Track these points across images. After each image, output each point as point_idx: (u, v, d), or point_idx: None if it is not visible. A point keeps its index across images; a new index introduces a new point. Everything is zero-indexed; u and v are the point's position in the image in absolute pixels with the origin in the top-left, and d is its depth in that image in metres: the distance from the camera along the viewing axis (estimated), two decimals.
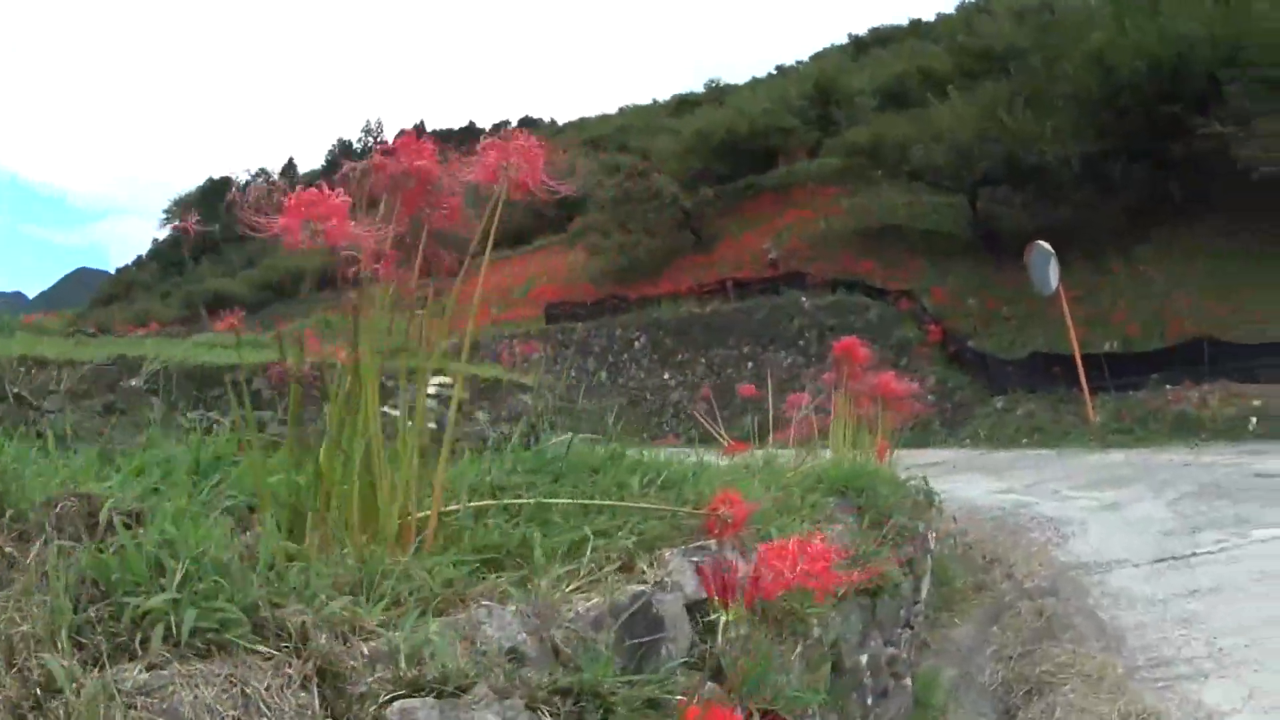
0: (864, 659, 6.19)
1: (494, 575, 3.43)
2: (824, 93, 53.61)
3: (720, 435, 8.82)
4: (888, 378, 11.23)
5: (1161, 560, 11.74)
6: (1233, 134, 26.64)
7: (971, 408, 29.30)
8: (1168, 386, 24.80)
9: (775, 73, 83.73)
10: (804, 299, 36.53)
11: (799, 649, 4.64)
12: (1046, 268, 25.61)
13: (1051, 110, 33.01)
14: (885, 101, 47.94)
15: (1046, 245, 25.84)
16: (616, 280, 49.05)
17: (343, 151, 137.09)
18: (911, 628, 8.88)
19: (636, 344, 42.01)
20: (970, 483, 19.55)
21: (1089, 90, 31.78)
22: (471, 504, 4.06)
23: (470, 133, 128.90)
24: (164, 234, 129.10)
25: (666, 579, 3.88)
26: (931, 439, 28.45)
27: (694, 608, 3.98)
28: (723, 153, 52.80)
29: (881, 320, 33.75)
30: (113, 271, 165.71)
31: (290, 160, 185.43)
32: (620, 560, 3.92)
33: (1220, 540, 12.22)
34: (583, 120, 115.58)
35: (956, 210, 40.01)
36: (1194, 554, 11.80)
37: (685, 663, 3.62)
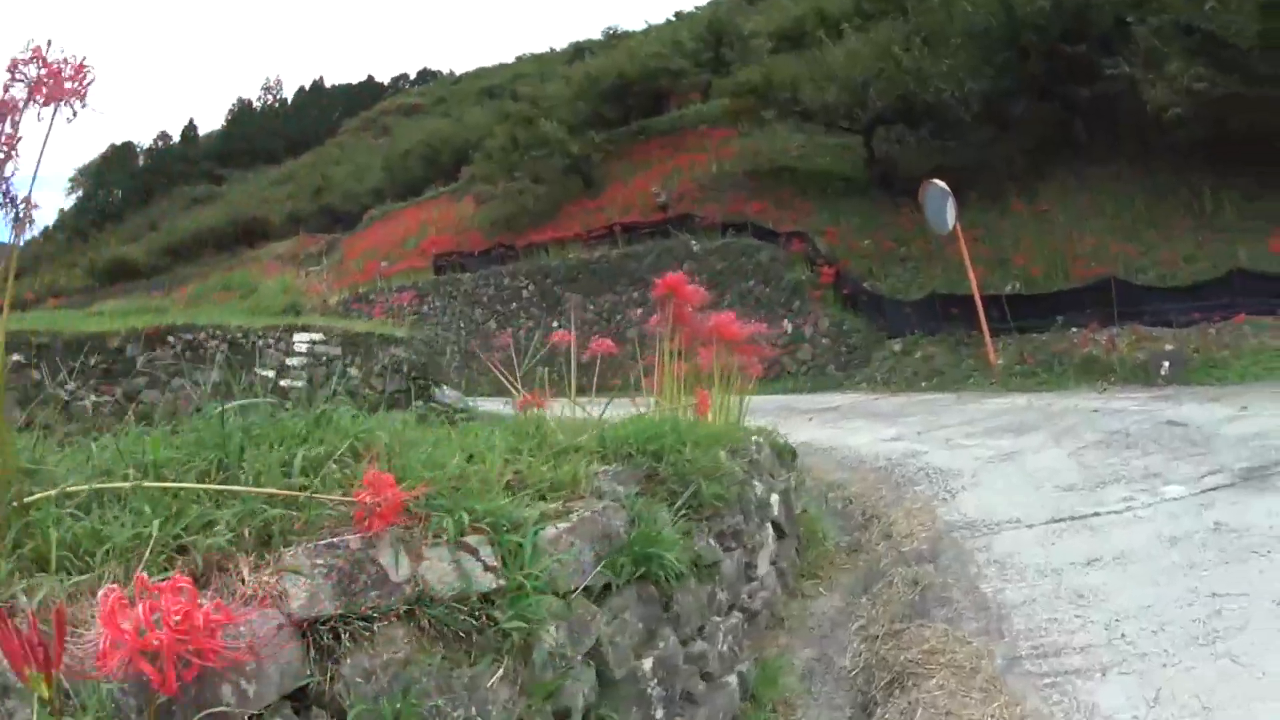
0: (648, 663, 5.36)
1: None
2: (717, 35, 53.39)
3: (515, 387, 7.38)
4: (725, 319, 10.07)
5: (1059, 520, 10.70)
6: (1142, 76, 26.00)
7: (868, 351, 28.39)
8: (1073, 329, 23.88)
9: (673, 18, 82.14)
10: (693, 242, 35.54)
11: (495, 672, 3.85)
12: (943, 206, 24.72)
13: (950, 49, 32.17)
14: (781, 44, 47.19)
15: (941, 184, 24.94)
16: (506, 228, 48.72)
17: (243, 111, 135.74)
18: (746, 611, 7.95)
19: (525, 292, 41.42)
20: (859, 429, 18.96)
21: (989, 29, 30.97)
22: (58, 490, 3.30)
23: (369, 87, 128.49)
24: (69, 203, 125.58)
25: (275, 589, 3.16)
26: (827, 383, 27.89)
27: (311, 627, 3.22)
28: (613, 97, 52.47)
29: (773, 262, 32.87)
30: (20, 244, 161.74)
31: (191, 121, 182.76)
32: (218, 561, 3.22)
33: (1127, 498, 11.13)
34: (480, 70, 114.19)
35: (851, 151, 39.23)
36: (1096, 513, 10.74)
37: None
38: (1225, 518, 9.74)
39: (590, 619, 4.76)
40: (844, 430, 18.93)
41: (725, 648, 6.87)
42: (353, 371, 19.02)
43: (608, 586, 5.12)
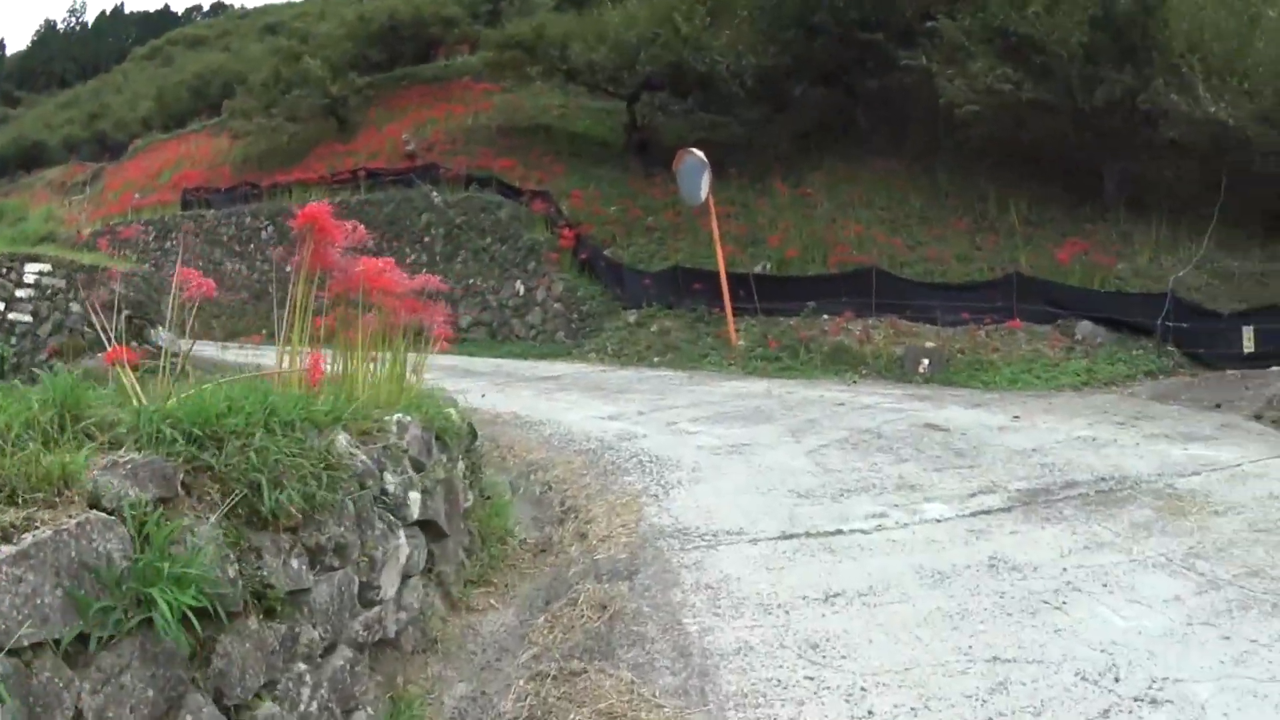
0: None
1: None
2: None
3: None
4: (376, 265, 7.91)
5: (792, 536, 8.61)
6: (941, 70, 24.58)
7: (601, 320, 26.10)
8: (825, 316, 22.04)
9: None
10: (434, 194, 33.07)
11: None
12: (697, 178, 22.81)
13: (735, 21, 30.24)
14: (565, 5, 44.69)
15: (699, 154, 23.02)
16: (258, 167, 46.16)
17: (48, 32, 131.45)
18: (366, 645, 5.88)
19: (264, 233, 38.91)
20: (577, 404, 16.85)
21: (781, 4, 29.06)
22: None
23: (164, 16, 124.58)
24: None
25: None
26: (556, 350, 25.72)
27: None
28: (381, 40, 50.27)
29: (512, 220, 30.37)
30: None
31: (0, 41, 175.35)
32: None
33: (878, 514, 9.17)
34: (268, 6, 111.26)
35: (614, 116, 37.35)
36: (839, 531, 8.72)
37: None
38: (1004, 551, 7.95)
39: (63, 687, 3.41)
40: (559, 403, 16.80)
41: (316, 706, 4.99)
42: (74, 307, 18.37)
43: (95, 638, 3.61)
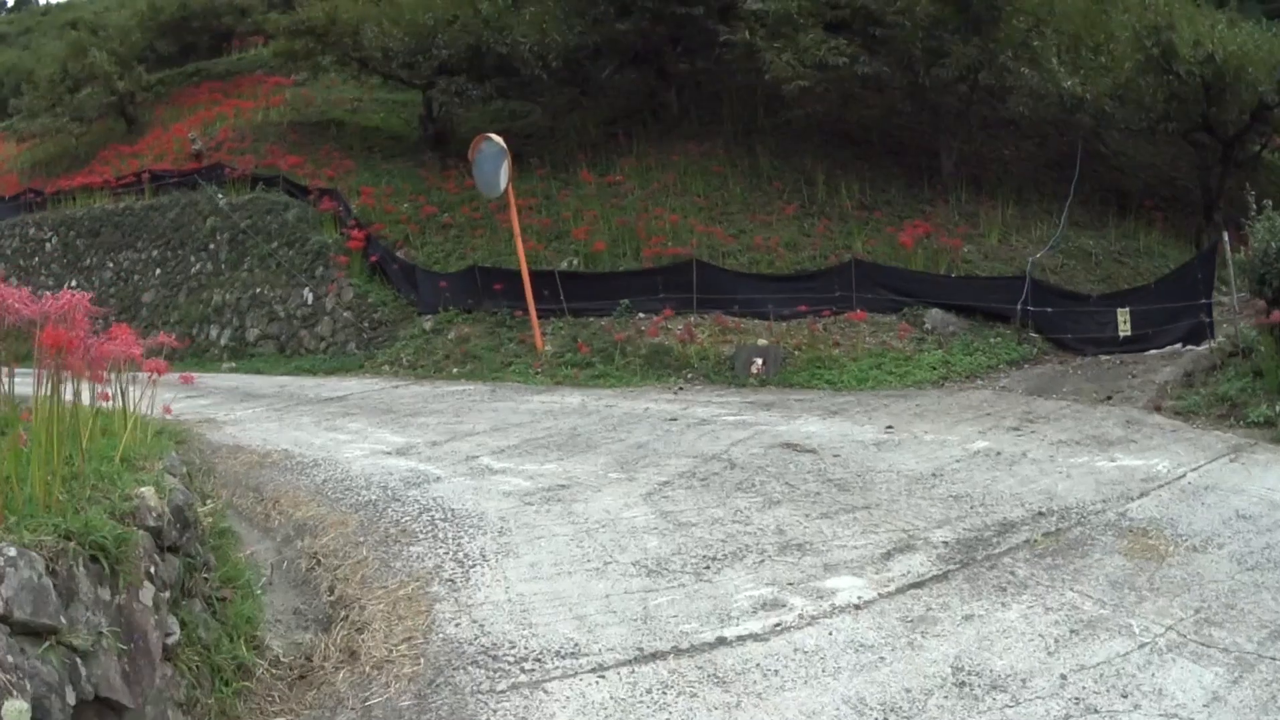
0: None
1: None
2: None
3: None
4: None
5: (656, 656, 5.90)
6: (766, 45, 22.62)
7: (395, 328, 23.37)
8: (641, 314, 19.78)
9: None
10: (220, 196, 29.96)
11: None
12: (496, 166, 20.40)
13: (542, 3, 27.63)
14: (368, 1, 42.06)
15: (498, 139, 20.59)
16: (46, 172, 42.21)
17: None
18: None
19: (48, 245, 35.59)
20: (361, 434, 14.06)
21: None
22: None
23: None
24: None
25: None
26: (348, 363, 22.94)
27: None
28: (173, 32, 46.86)
29: (300, 223, 27.43)
30: None
31: None
32: None
33: (769, 601, 6.59)
34: (68, 3, 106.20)
35: (409, 108, 35.05)
36: (723, 639, 6.07)
37: None
38: (969, 654, 5.67)
39: None
40: (341, 434, 14.11)
41: None
42: None
43: None
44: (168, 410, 9.73)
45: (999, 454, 10.43)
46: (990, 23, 21.17)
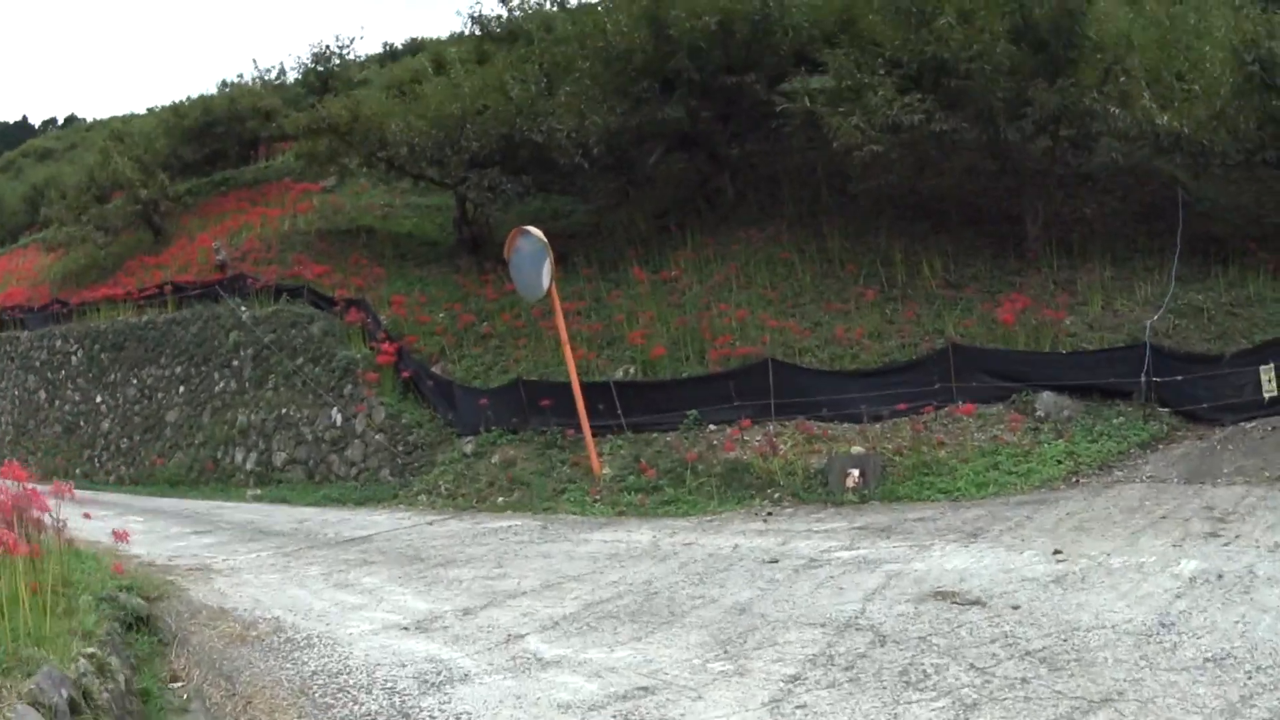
0: None
1: None
2: (323, 80, 47.55)
3: None
4: None
5: None
6: (830, 111, 20.45)
7: (432, 451, 21.02)
8: (712, 427, 17.29)
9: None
10: (243, 308, 28.37)
11: None
12: (537, 265, 18.22)
13: (575, 76, 25.59)
14: (392, 94, 40.53)
15: (536, 233, 18.36)
16: (76, 283, 41.60)
17: None
18: None
19: (74, 358, 34.76)
20: (375, 595, 11.55)
21: (630, 53, 24.15)
22: None
23: (22, 128, 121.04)
24: None
25: None
26: (380, 492, 20.64)
27: None
28: (198, 138, 45.74)
29: (326, 336, 25.44)
30: None
31: None
32: None
33: None
34: (116, 117, 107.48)
35: (442, 213, 33.24)
36: None
37: None
38: None
39: None
40: (352, 594, 11.69)
41: None
42: None
43: None
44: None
45: (1220, 577, 8.07)
46: (1071, 63, 19.24)
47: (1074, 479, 13.74)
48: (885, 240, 21.64)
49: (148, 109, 49.72)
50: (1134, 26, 20.55)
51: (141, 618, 9.86)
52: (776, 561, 10.57)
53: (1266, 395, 14.97)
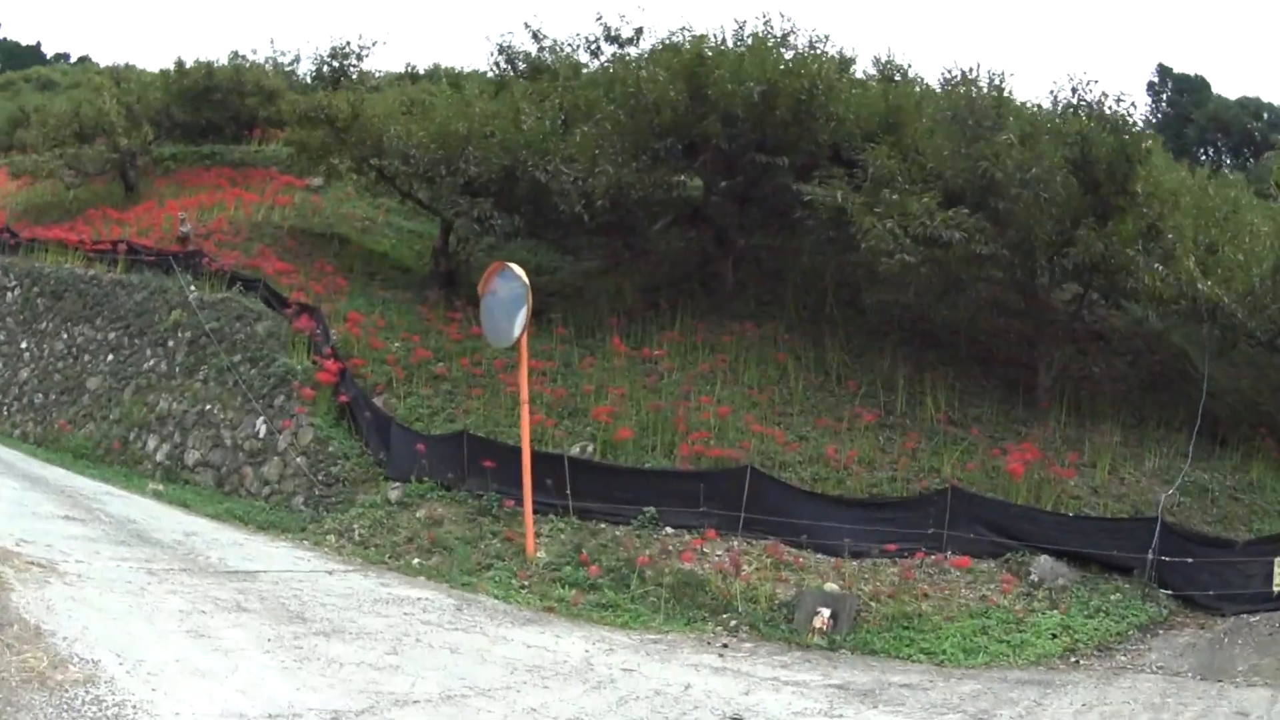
0: None
1: None
2: (336, 76, 45.70)
3: None
4: None
5: None
6: (864, 210, 19.28)
7: (354, 489, 19.02)
8: (668, 529, 15.46)
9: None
10: (193, 287, 26.44)
11: None
12: (512, 310, 16.40)
13: (597, 121, 23.84)
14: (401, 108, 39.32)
15: (519, 272, 16.47)
16: (35, 220, 40.26)
17: None
18: None
19: (9, 295, 32.60)
20: (232, 659, 9.40)
21: (656, 107, 22.54)
22: None
23: (34, 52, 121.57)
24: None
25: None
26: (288, 521, 18.54)
27: None
28: (194, 101, 44.29)
29: (269, 337, 23.48)
30: None
31: None
32: None
33: None
34: (129, 67, 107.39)
35: (423, 241, 32.59)
36: None
37: None
38: None
39: None
40: (202, 652, 9.48)
41: None
42: None
43: None
44: None
45: None
46: (1119, 210, 18.37)
47: (1072, 659, 12.33)
48: (890, 363, 20.38)
49: (160, 70, 48.49)
50: (1181, 187, 20.43)
51: None
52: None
53: (1276, 589, 13.76)
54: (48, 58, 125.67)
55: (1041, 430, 18.57)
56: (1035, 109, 21.54)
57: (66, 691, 7.64)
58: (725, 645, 12.02)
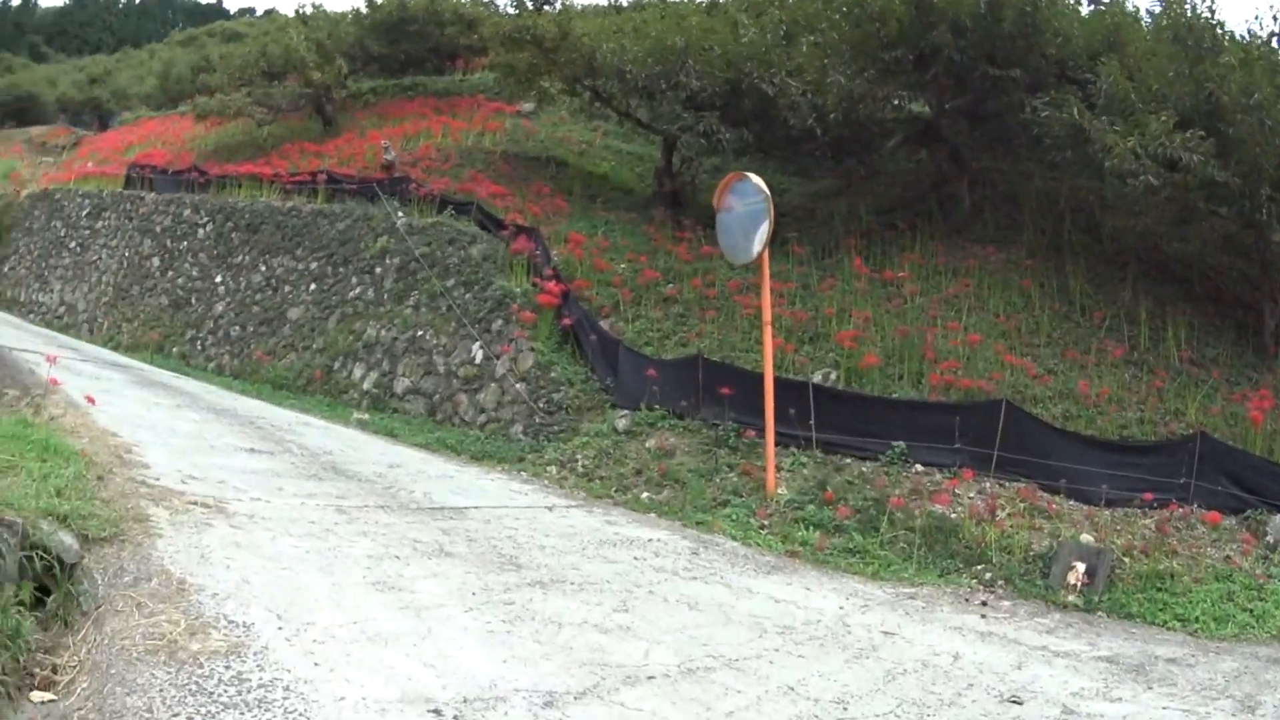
0: None
1: None
2: (539, 6, 42.73)
3: None
4: None
5: None
6: (1105, 128, 17.83)
7: (578, 417, 18.30)
8: (918, 467, 14.30)
9: None
10: (400, 214, 26.02)
11: None
12: (751, 225, 15.15)
13: (822, 31, 22.50)
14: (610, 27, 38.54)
15: (758, 183, 15.24)
16: (225, 158, 40.37)
17: None
18: None
19: (201, 231, 32.77)
20: (425, 619, 8.03)
21: (884, 15, 21.24)
22: None
23: (217, 9, 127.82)
24: None
25: None
26: (504, 451, 17.87)
27: None
28: (388, 33, 44.43)
29: (485, 260, 22.82)
30: None
31: None
32: None
33: None
34: (319, 8, 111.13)
35: (644, 163, 31.27)
36: None
37: None
38: None
39: None
40: (390, 608, 8.14)
41: None
42: None
43: None
44: None
45: None
46: None
47: None
48: (1131, 295, 19.00)
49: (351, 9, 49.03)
50: None
51: (64, 564, 6.90)
52: (1020, 703, 7.60)
53: None
54: (230, 14, 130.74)
55: (1269, 377, 17.26)
56: (1244, 37, 19.94)
57: (200, 667, 6.22)
58: (984, 603, 11.07)
